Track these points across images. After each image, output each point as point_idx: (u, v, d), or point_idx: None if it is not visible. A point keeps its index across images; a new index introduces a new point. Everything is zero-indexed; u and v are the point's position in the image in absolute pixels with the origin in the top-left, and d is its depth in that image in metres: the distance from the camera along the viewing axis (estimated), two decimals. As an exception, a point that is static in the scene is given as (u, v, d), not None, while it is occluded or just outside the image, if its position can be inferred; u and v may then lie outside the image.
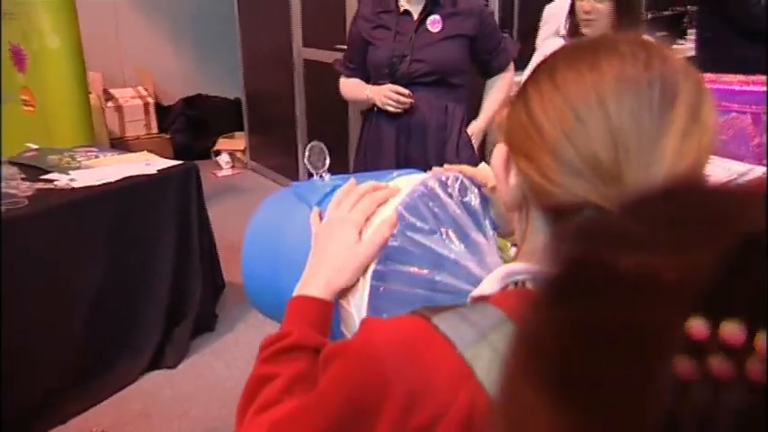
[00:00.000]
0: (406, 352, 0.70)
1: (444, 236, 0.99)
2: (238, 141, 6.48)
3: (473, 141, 2.75)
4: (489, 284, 0.76)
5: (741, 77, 2.51)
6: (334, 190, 1.09)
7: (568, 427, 0.31)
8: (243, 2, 6.01)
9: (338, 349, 0.77)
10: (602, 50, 0.70)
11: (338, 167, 1.21)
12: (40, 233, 2.99)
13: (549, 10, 4.02)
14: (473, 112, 2.85)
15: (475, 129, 2.77)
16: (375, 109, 2.71)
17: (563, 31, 2.85)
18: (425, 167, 2.48)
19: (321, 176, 1.22)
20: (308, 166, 1.24)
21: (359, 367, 0.73)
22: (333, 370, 0.75)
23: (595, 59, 0.69)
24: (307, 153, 1.26)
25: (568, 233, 0.41)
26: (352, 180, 1.08)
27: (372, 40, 2.72)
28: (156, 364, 3.33)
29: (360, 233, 0.96)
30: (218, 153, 6.45)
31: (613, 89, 0.66)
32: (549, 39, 2.86)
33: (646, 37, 0.74)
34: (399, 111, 2.62)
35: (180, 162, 3.62)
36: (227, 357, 3.43)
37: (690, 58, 4.42)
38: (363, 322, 0.80)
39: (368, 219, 0.98)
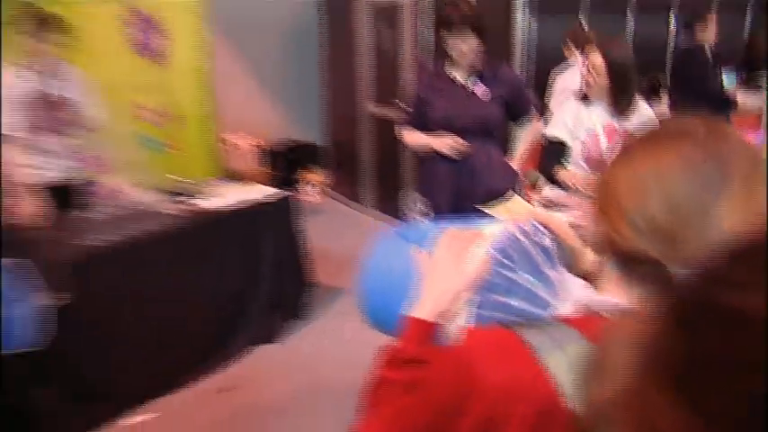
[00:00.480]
0: (496, 352, 0.68)
1: (523, 272, 0.96)
2: (320, 175, 6.45)
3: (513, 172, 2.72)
4: (568, 309, 0.75)
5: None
6: (431, 234, 1.05)
7: (685, 422, 0.32)
8: (328, 73, 6.01)
9: (440, 353, 0.76)
10: (669, 132, 0.68)
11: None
12: (181, 242, 3.08)
13: (559, 78, 3.95)
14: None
15: (511, 163, 2.73)
16: (435, 154, 2.65)
17: (562, 91, 2.80)
18: (474, 197, 2.45)
19: (419, 220, 1.18)
20: (411, 214, 1.23)
21: (455, 365, 0.71)
22: (435, 368, 0.74)
23: (662, 140, 0.67)
24: (409, 204, 1.25)
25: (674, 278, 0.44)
26: (451, 228, 1.04)
27: (431, 101, 2.65)
28: (260, 340, 3.35)
29: (458, 266, 0.93)
30: (306, 184, 6.43)
31: (673, 165, 0.63)
32: (565, 103, 2.80)
33: (708, 118, 0.70)
34: (455, 156, 2.57)
35: (280, 190, 3.66)
36: (314, 337, 3.42)
37: (662, 114, 4.34)
38: (464, 331, 0.78)
39: (464, 258, 0.94)
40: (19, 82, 3.09)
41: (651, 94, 5.04)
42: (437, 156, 2.65)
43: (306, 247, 3.73)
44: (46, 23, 3.07)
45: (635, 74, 2.54)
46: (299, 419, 2.70)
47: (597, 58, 2.49)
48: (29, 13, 3.10)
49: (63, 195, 3.00)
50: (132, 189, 3.06)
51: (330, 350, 3.24)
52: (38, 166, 3.25)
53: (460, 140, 2.57)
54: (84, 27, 4.68)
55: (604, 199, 0.69)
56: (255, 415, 2.75)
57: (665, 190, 0.63)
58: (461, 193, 2.62)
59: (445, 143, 2.58)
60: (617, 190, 0.67)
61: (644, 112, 2.59)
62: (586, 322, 0.68)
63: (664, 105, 4.63)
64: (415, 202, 1.23)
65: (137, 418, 2.73)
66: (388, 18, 4.93)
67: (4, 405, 2.37)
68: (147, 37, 4.61)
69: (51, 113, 3.22)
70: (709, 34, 4.28)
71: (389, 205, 5.35)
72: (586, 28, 4.13)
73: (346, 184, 6.02)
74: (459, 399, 0.68)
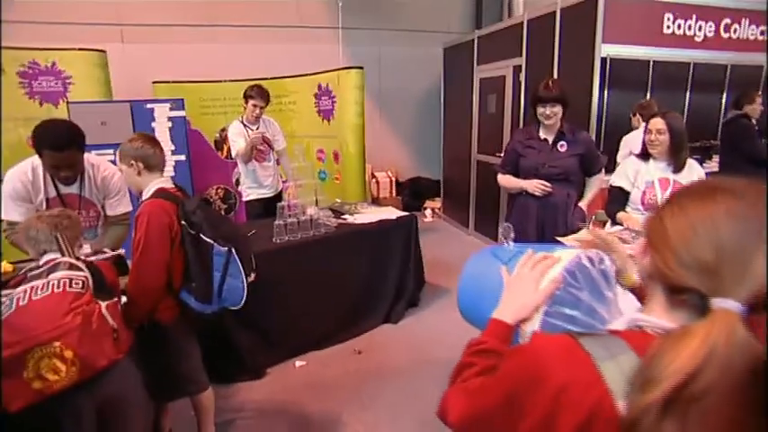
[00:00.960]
0: (562, 355, 0.63)
1: (587, 290, 0.91)
2: (437, 203, 6.43)
3: (582, 210, 2.62)
4: (620, 324, 0.69)
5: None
6: (517, 255, 1.01)
7: None
8: (446, 127, 6.02)
9: (515, 350, 0.72)
10: (718, 189, 0.62)
11: (488, 226, 1.17)
12: (339, 245, 3.14)
13: (625, 139, 3.75)
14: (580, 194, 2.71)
15: (582, 205, 2.61)
16: (524, 193, 2.61)
17: (637, 152, 2.63)
18: (555, 228, 2.36)
19: (508, 244, 1.15)
20: (502, 238, 1.19)
21: (526, 361, 0.66)
22: (510, 361, 0.70)
23: (713, 195, 0.61)
24: (501, 230, 1.20)
25: None
26: (530, 250, 0.99)
27: (524, 154, 2.62)
28: (385, 320, 3.37)
29: (536, 284, 0.89)
30: (425, 209, 6.44)
31: (723, 218, 0.59)
32: (628, 158, 2.64)
33: (753, 181, 0.64)
34: (541, 195, 2.53)
35: (408, 213, 3.66)
36: (422, 322, 3.42)
37: (713, 173, 3.94)
38: (533, 335, 0.73)
39: (542, 276, 0.90)
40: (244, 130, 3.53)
41: (704, 157, 4.59)
42: (527, 194, 2.60)
43: (422, 255, 3.71)
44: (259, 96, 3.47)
45: (687, 138, 2.37)
46: (408, 380, 2.70)
47: (660, 124, 2.35)
48: (253, 90, 3.50)
49: (270, 207, 3.24)
50: (309, 206, 3.24)
51: (435, 332, 3.21)
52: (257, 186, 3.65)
53: (544, 183, 2.53)
54: (292, 97, 5.18)
55: (658, 237, 0.64)
56: (376, 372, 2.79)
57: (713, 235, 0.58)
58: (545, 225, 2.56)
59: (533, 184, 2.55)
60: (669, 231, 0.63)
61: (695, 170, 2.39)
62: (635, 337, 0.64)
63: (714, 165, 4.23)
64: (507, 230, 1.20)
65: (297, 363, 2.87)
66: (493, 88, 4.88)
67: (222, 343, 2.62)
68: (324, 103, 4.96)
69: (263, 147, 3.60)
70: (755, 108, 3.90)
71: (486, 229, 5.27)
72: (652, 102, 3.87)
73: (455, 211, 5.96)
74: (527, 390, 0.64)
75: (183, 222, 1.81)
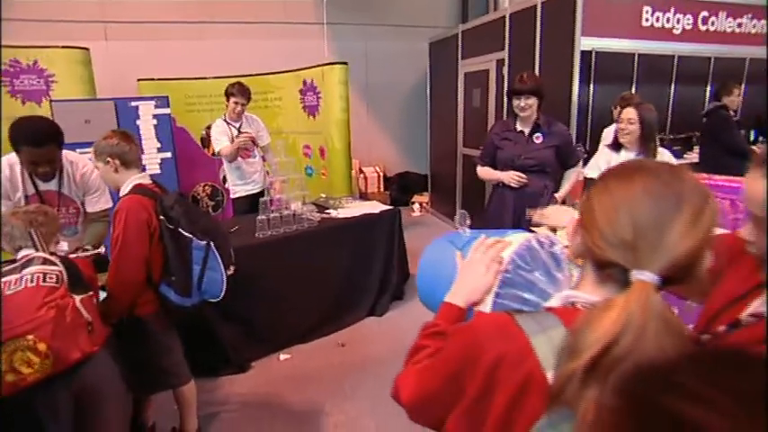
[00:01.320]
0: (496, 331, 0.66)
1: (537, 272, 0.93)
2: (424, 197, 6.46)
3: (558, 201, 2.65)
4: (555, 301, 0.72)
5: (725, 177, 2.25)
6: (471, 240, 1.03)
7: None
8: (432, 122, 6.04)
9: (456, 329, 0.74)
10: (639, 170, 0.65)
11: (475, 220, 1.18)
12: (322, 239, 3.16)
13: (606, 131, 3.78)
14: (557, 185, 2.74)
15: (558, 196, 2.65)
16: (501, 184, 2.66)
17: (609, 142, 2.68)
18: (530, 220, 2.40)
19: (464, 231, 1.16)
20: (456, 224, 1.21)
21: (465, 339, 0.69)
22: (452, 341, 0.73)
23: (633, 176, 0.65)
24: (457, 217, 1.23)
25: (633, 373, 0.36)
26: (483, 236, 1.01)
27: (501, 146, 2.67)
28: (370, 313, 3.39)
29: (488, 268, 0.90)
30: (413, 203, 6.46)
31: (640, 197, 0.62)
32: (601, 150, 2.70)
33: (672, 164, 0.68)
34: (517, 186, 2.58)
35: (392, 207, 3.69)
36: (407, 314, 3.45)
37: (694, 164, 4.02)
38: (475, 314, 0.75)
39: (492, 260, 0.91)
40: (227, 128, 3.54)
41: (685, 148, 4.66)
42: (503, 186, 2.65)
43: (409, 248, 3.73)
44: (240, 93, 3.47)
45: (657, 128, 2.44)
46: (390, 371, 2.67)
47: (631, 114, 2.41)
48: (234, 87, 3.51)
49: (257, 203, 3.27)
50: (293, 201, 3.23)
51: (419, 324, 3.18)
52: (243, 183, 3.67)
53: (520, 174, 2.57)
54: (277, 93, 5.17)
55: (587, 217, 0.67)
56: (359, 364, 2.82)
57: (631, 213, 0.62)
58: (522, 215, 2.54)
59: (509, 176, 2.59)
60: (596, 211, 0.66)
61: (665, 159, 2.44)
62: (567, 312, 0.67)
63: (695, 157, 4.30)
64: (462, 217, 1.21)
65: (282, 356, 2.90)
66: (477, 82, 4.90)
67: (207, 337, 2.63)
68: (309, 98, 4.96)
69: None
70: (733, 99, 3.98)
71: (473, 222, 5.29)
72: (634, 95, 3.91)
73: (443, 205, 6.00)
74: (466, 366, 0.67)
75: (161, 217, 1.83)
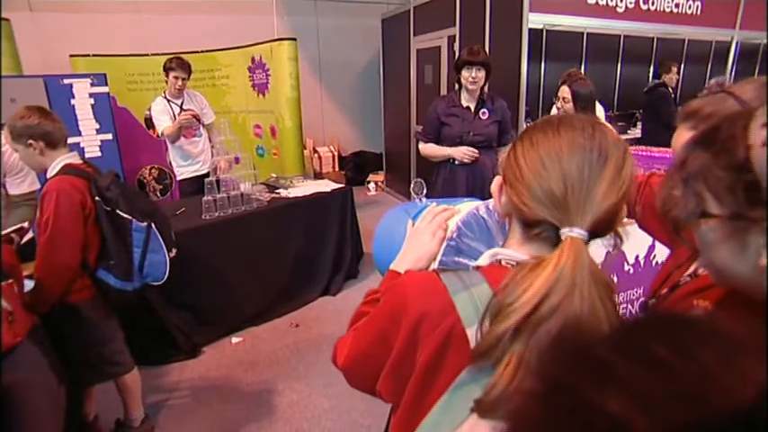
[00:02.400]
0: (421, 289, 0.66)
1: (481, 239, 0.92)
2: (380, 176, 6.44)
3: None
4: (483, 260, 0.71)
5: (663, 149, 2.37)
6: (424, 209, 1.01)
7: None
8: (386, 100, 6.00)
9: (386, 289, 0.75)
10: (563, 124, 0.64)
11: (427, 194, 1.19)
12: (272, 219, 3.10)
13: (553, 109, 3.89)
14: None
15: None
16: (451, 161, 2.62)
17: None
18: (483, 192, 2.43)
19: (420, 200, 1.15)
20: (412, 193, 1.20)
21: (392, 298, 0.69)
22: (382, 300, 0.73)
23: (558, 129, 0.64)
24: (412, 185, 1.22)
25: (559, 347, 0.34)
26: (433, 204, 1.01)
27: (448, 122, 2.61)
28: (324, 293, 3.37)
29: (433, 236, 0.88)
30: (368, 182, 6.44)
31: (567, 150, 0.61)
32: None
33: (593, 117, 0.67)
34: (469, 161, 2.57)
35: (344, 185, 3.65)
36: (362, 292, 3.36)
37: (637, 139, 4.19)
38: (405, 273, 0.75)
39: (439, 228, 0.89)
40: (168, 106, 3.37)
41: (629, 124, 4.86)
42: (453, 163, 2.63)
43: (362, 226, 3.72)
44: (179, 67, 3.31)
45: (593, 102, 2.52)
46: None
47: (566, 93, 2.50)
48: (172, 62, 3.34)
49: (201, 185, 3.16)
50: (242, 181, 3.16)
51: None
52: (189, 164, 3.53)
53: (473, 149, 2.55)
54: (225, 71, 4.97)
55: (512, 174, 0.65)
56: (313, 344, 2.81)
57: (559, 168, 0.61)
58: (474, 191, 2.57)
59: (461, 152, 2.56)
60: (522, 168, 0.64)
61: (598, 113, 2.55)
62: (492, 270, 0.67)
63: (638, 132, 4.51)
64: (419, 186, 1.21)
65: (233, 339, 2.85)
66: (429, 58, 4.88)
67: (154, 323, 2.55)
68: (258, 76, 4.80)
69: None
70: (671, 77, 4.20)
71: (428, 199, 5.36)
72: (582, 73, 4.01)
73: (398, 184, 6.02)
74: (393, 323, 0.67)
75: (97, 198, 1.73)
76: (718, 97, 0.77)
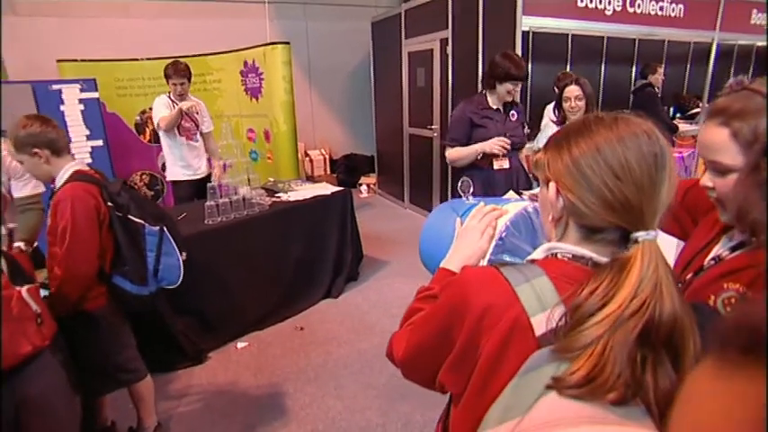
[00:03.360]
0: (483, 283, 0.67)
1: (528, 238, 0.94)
2: (372, 179, 6.46)
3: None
4: (537, 254, 0.73)
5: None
6: (471, 208, 1.02)
7: None
8: (378, 103, 6.00)
9: (446, 284, 0.75)
10: (620, 127, 0.65)
11: (423, 199, 1.19)
12: (274, 223, 3.10)
13: (548, 108, 3.95)
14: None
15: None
16: (485, 166, 2.49)
17: (554, 118, 2.79)
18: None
19: (467, 198, 1.15)
20: (460, 191, 1.19)
21: (454, 292, 0.70)
22: (442, 295, 0.74)
23: (620, 134, 0.64)
24: (459, 183, 1.22)
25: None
26: (482, 203, 1.02)
27: (483, 124, 2.48)
28: (326, 296, 3.37)
29: (482, 235, 0.90)
30: (360, 185, 6.45)
31: (636, 157, 0.62)
32: (548, 125, 2.81)
33: (643, 117, 0.68)
34: (502, 154, 2.44)
35: (342, 188, 3.65)
36: (363, 294, 3.46)
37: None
38: (463, 268, 0.76)
39: (489, 227, 0.91)
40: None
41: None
42: (489, 168, 2.49)
43: (359, 229, 3.73)
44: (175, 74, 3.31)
45: (595, 99, 2.58)
46: (351, 350, 2.76)
47: (577, 91, 2.54)
48: (168, 68, 3.33)
49: (201, 189, 3.12)
50: (241, 186, 3.16)
51: (376, 303, 3.27)
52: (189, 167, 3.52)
53: (505, 139, 2.42)
54: (216, 75, 4.93)
55: (575, 183, 0.65)
56: (319, 346, 2.82)
57: (634, 178, 0.62)
58: (510, 186, 2.49)
59: (494, 143, 2.42)
60: (588, 177, 0.64)
61: None
62: (549, 263, 0.69)
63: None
64: (466, 184, 1.22)
65: (239, 344, 2.84)
66: (421, 61, 4.92)
67: (159, 330, 2.51)
68: (251, 80, 4.78)
69: (190, 125, 3.47)
70: (657, 78, 4.34)
71: (421, 201, 5.39)
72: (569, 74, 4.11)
73: (390, 186, 6.05)
74: (455, 317, 0.69)
75: (109, 204, 1.73)
76: (743, 95, 0.81)
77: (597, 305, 0.59)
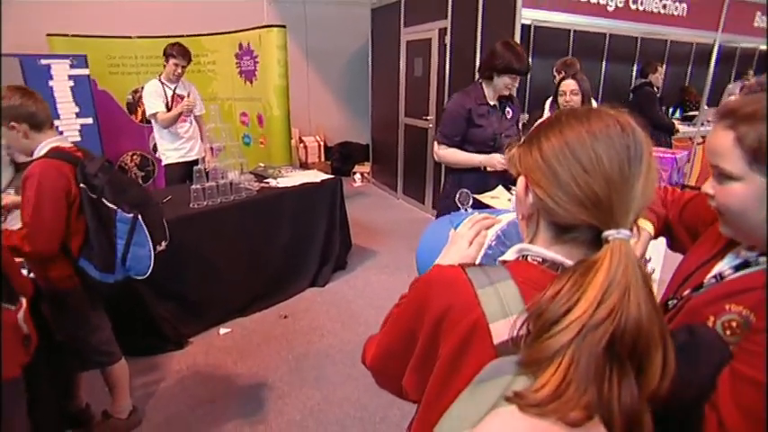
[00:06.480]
0: (445, 284, 0.65)
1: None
2: (366, 167, 6.41)
3: None
4: (509, 255, 0.70)
5: (662, 150, 2.41)
6: (467, 216, 1.01)
7: None
8: (374, 91, 5.95)
9: (412, 284, 0.72)
10: (593, 121, 0.62)
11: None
12: (261, 209, 3.06)
13: (549, 101, 3.91)
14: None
15: None
16: (483, 169, 2.30)
17: (548, 113, 2.76)
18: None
19: (466, 209, 1.13)
20: (458, 203, 1.17)
21: (418, 293, 0.68)
22: (410, 292, 0.72)
23: (591, 127, 0.61)
24: (458, 195, 1.19)
25: None
26: (475, 213, 1.01)
27: (481, 123, 2.29)
28: (313, 284, 3.35)
29: (472, 242, 0.87)
30: (354, 173, 6.40)
31: (606, 150, 0.59)
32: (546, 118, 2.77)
33: (618, 110, 0.65)
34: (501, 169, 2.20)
35: (333, 176, 3.61)
36: (350, 284, 3.43)
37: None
38: (433, 266, 0.73)
39: (478, 235, 0.89)
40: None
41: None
42: (484, 171, 2.31)
43: (348, 217, 3.69)
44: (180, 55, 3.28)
45: (591, 95, 2.57)
46: (334, 341, 2.74)
47: (573, 85, 2.52)
48: (174, 48, 3.29)
49: (189, 171, 3.08)
50: (230, 170, 3.11)
51: (363, 294, 3.25)
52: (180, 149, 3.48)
53: (501, 161, 2.22)
54: (211, 57, 4.84)
55: (543, 178, 0.63)
56: (302, 335, 2.79)
57: (603, 172, 0.59)
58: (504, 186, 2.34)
59: (495, 161, 2.25)
60: (556, 171, 0.61)
61: None
62: (518, 266, 0.66)
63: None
64: (465, 196, 1.20)
65: (221, 330, 2.81)
66: (419, 51, 4.85)
67: (140, 314, 2.49)
68: (246, 63, 4.70)
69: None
70: (657, 77, 4.30)
71: (414, 192, 5.35)
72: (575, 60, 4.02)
73: (384, 175, 6.00)
74: (418, 318, 0.67)
75: (81, 185, 1.66)
76: (758, 96, 0.76)
77: (561, 311, 0.54)
